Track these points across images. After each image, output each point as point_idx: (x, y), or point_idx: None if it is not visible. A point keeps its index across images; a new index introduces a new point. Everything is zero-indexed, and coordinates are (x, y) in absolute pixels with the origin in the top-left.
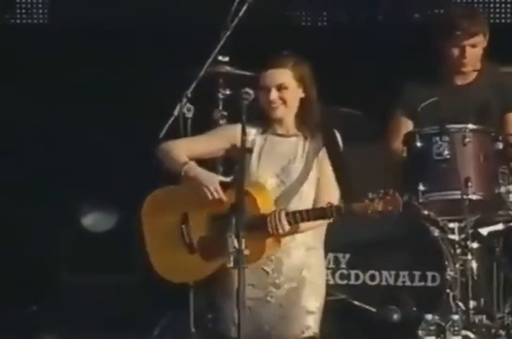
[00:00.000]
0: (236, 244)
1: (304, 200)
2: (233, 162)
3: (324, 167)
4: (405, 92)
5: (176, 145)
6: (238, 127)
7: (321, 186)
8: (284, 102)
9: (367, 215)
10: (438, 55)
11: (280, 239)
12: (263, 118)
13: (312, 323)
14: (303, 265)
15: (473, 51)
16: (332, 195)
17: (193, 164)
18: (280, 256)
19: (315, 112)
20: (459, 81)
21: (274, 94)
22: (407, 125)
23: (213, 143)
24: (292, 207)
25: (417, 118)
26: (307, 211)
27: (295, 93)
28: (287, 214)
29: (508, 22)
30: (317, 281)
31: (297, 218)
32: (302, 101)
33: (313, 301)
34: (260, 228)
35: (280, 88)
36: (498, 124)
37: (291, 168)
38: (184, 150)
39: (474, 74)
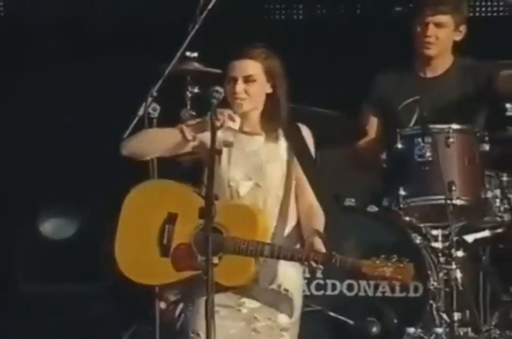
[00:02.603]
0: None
1: (293, 212)
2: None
3: (299, 170)
4: (374, 88)
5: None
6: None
7: (300, 192)
8: (250, 96)
9: (369, 276)
10: (411, 43)
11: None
12: None
13: None
14: (280, 274)
15: (438, 31)
16: (314, 204)
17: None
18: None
19: (282, 110)
20: (429, 73)
21: (240, 86)
22: (373, 123)
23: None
24: (285, 224)
25: (387, 116)
26: (308, 252)
27: (262, 88)
28: (284, 248)
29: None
30: (294, 293)
31: (294, 257)
32: (269, 97)
33: (288, 316)
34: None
35: (247, 80)
36: (478, 121)
37: (267, 171)
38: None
39: (443, 67)
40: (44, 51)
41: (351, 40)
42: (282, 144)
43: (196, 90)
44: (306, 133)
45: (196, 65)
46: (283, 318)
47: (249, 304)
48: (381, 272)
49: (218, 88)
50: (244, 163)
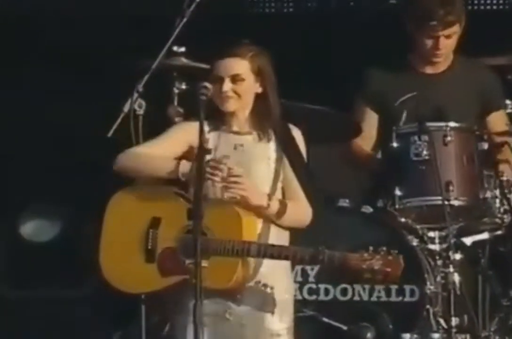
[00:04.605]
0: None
1: None
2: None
3: (289, 172)
4: (369, 81)
5: (144, 151)
6: (195, 125)
7: (291, 195)
8: (238, 95)
9: (357, 269)
10: (409, 41)
11: (249, 265)
12: (216, 114)
13: None
14: (267, 278)
15: (448, 42)
16: (306, 207)
17: (184, 162)
18: None
19: (273, 109)
20: (429, 70)
21: (227, 86)
22: (370, 119)
23: (173, 146)
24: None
25: (383, 111)
26: (295, 249)
27: (251, 87)
28: (271, 246)
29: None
30: (283, 297)
31: (281, 255)
32: (259, 97)
33: (278, 322)
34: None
35: (235, 79)
36: (477, 122)
37: (252, 170)
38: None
39: (445, 64)
40: (38, 48)
41: (342, 34)
42: (272, 144)
43: (183, 86)
44: (297, 135)
45: (184, 60)
46: (273, 324)
47: (236, 309)
48: (369, 265)
49: (206, 84)
50: (230, 161)
